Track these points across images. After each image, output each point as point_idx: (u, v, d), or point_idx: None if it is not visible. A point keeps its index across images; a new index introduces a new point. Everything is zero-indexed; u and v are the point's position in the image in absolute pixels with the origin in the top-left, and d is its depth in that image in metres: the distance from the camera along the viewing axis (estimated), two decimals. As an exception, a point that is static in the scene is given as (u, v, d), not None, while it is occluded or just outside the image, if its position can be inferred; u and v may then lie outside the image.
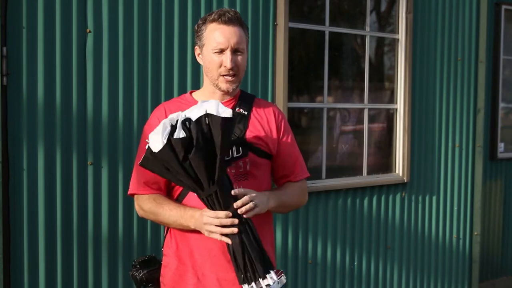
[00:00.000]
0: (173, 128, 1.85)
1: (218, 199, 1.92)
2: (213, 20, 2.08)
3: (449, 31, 4.52)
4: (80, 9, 2.91)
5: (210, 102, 1.90)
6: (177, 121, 1.86)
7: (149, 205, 2.12)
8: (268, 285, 1.91)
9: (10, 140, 2.77)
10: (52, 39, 2.84)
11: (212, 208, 1.94)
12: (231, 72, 2.08)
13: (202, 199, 1.95)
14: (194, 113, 1.88)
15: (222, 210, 1.92)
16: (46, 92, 2.83)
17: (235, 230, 1.91)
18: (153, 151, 1.85)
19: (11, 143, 2.77)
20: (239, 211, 1.93)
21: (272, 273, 1.94)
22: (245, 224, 1.94)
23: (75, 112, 2.90)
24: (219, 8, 2.18)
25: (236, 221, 1.92)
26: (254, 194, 1.98)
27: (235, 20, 2.08)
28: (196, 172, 1.87)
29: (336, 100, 4.10)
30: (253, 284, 1.93)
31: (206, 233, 1.97)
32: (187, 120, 1.85)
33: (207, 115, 1.84)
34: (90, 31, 2.93)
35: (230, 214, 1.92)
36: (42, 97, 2.82)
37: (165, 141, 1.83)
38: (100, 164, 2.98)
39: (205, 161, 1.85)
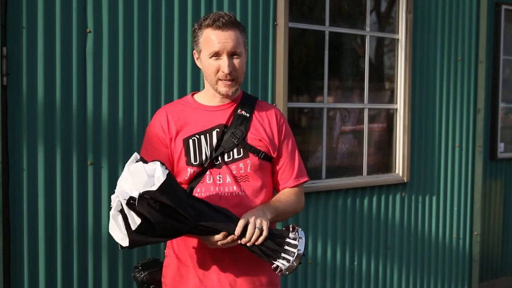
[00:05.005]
0: (122, 213, 1.83)
1: (208, 228, 1.93)
2: (208, 26, 2.07)
3: (449, 31, 4.52)
4: (80, 9, 2.91)
5: (135, 167, 1.85)
6: (121, 204, 1.82)
7: None
8: (294, 253, 1.95)
9: (10, 140, 2.77)
10: (52, 39, 2.84)
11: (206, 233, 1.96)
12: (228, 77, 2.08)
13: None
14: (128, 188, 1.84)
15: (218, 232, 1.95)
16: (46, 92, 2.83)
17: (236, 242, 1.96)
18: (124, 246, 1.86)
19: (11, 143, 2.77)
20: (249, 244, 1.95)
21: (290, 240, 1.96)
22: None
23: (75, 112, 2.90)
24: (214, 12, 2.15)
25: (235, 237, 1.94)
26: (252, 219, 1.96)
27: (230, 24, 2.06)
28: (170, 228, 1.88)
29: (336, 100, 4.10)
30: (280, 261, 1.96)
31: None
32: (131, 200, 1.80)
33: (144, 193, 1.80)
34: (90, 31, 2.93)
35: (224, 235, 1.94)
36: (42, 97, 2.81)
37: (126, 233, 1.83)
38: (100, 164, 2.98)
39: (172, 218, 1.85)
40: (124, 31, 3.03)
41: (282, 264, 1.96)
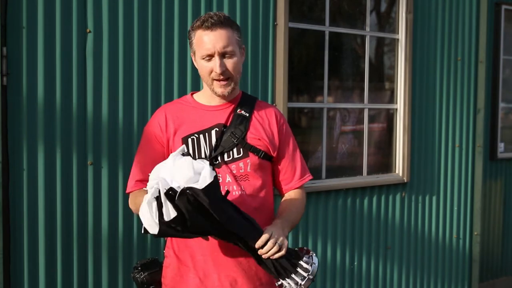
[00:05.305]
0: (158, 200, 1.81)
1: (232, 234, 1.95)
2: (198, 27, 2.07)
3: (449, 31, 4.52)
4: (80, 9, 2.91)
5: (182, 161, 1.85)
6: (159, 191, 1.80)
7: (133, 199, 2.14)
8: (304, 277, 1.97)
9: (10, 140, 2.77)
10: (52, 39, 2.84)
11: (232, 241, 1.98)
12: (222, 77, 2.08)
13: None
14: (169, 178, 1.82)
15: (243, 240, 1.96)
16: (46, 92, 2.83)
17: None
18: (152, 233, 1.85)
19: (11, 143, 2.77)
20: (265, 256, 1.95)
21: (303, 263, 1.98)
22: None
23: (75, 112, 2.90)
24: (206, 13, 2.15)
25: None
26: (275, 234, 1.98)
27: (219, 23, 2.05)
28: (200, 227, 1.88)
29: (336, 100, 4.10)
30: (288, 280, 1.97)
31: None
32: (170, 190, 1.79)
33: (188, 188, 1.79)
34: (90, 31, 2.93)
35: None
36: (42, 97, 2.82)
37: (158, 222, 1.82)
38: (100, 164, 2.98)
39: (204, 218, 1.85)
40: (124, 31, 3.03)
41: (289, 284, 1.98)
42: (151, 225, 1.83)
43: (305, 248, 2.08)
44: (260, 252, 1.96)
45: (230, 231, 1.92)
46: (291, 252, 2.03)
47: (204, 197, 1.78)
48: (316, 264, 2.01)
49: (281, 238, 1.98)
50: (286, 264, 1.98)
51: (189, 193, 1.77)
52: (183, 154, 1.89)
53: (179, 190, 1.78)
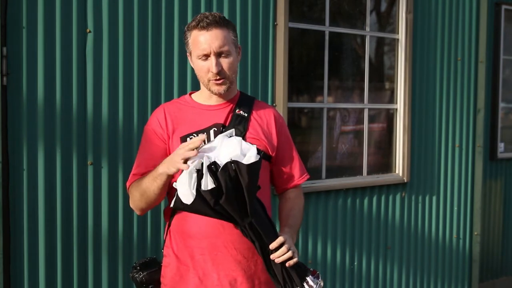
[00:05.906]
0: (199, 172, 1.83)
1: (254, 229, 1.96)
2: (194, 27, 2.08)
3: (449, 31, 4.52)
4: (80, 9, 2.91)
5: (232, 140, 1.88)
6: (202, 164, 1.82)
7: (133, 187, 2.14)
8: None
9: (10, 140, 2.77)
10: (52, 39, 2.84)
11: (250, 237, 1.99)
12: (218, 77, 2.09)
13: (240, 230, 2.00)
14: (213, 155, 1.86)
15: (261, 238, 1.97)
16: (46, 92, 2.83)
17: None
18: (185, 203, 1.86)
19: (11, 143, 2.77)
20: (278, 260, 1.98)
21: (309, 280, 2.03)
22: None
23: (75, 112, 2.90)
24: (201, 13, 2.16)
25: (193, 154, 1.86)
26: (289, 241, 2.01)
27: (214, 23, 2.06)
28: (228, 211, 1.89)
29: (336, 100, 4.10)
30: None
31: (173, 165, 1.90)
32: (213, 164, 1.83)
33: (233, 162, 1.83)
34: (90, 31, 2.93)
35: (204, 137, 1.87)
36: (42, 97, 2.82)
37: (194, 193, 1.83)
38: (100, 164, 2.98)
39: (236, 200, 1.87)
40: (124, 31, 3.03)
41: None
42: (186, 195, 1.85)
43: (312, 269, 2.11)
44: (273, 255, 1.97)
45: (253, 225, 1.94)
46: (301, 266, 2.05)
47: (246, 175, 1.82)
48: (322, 285, 2.05)
49: (293, 247, 2.02)
50: (294, 275, 2.01)
51: (232, 167, 1.81)
52: (230, 137, 1.92)
53: (221, 166, 1.82)
